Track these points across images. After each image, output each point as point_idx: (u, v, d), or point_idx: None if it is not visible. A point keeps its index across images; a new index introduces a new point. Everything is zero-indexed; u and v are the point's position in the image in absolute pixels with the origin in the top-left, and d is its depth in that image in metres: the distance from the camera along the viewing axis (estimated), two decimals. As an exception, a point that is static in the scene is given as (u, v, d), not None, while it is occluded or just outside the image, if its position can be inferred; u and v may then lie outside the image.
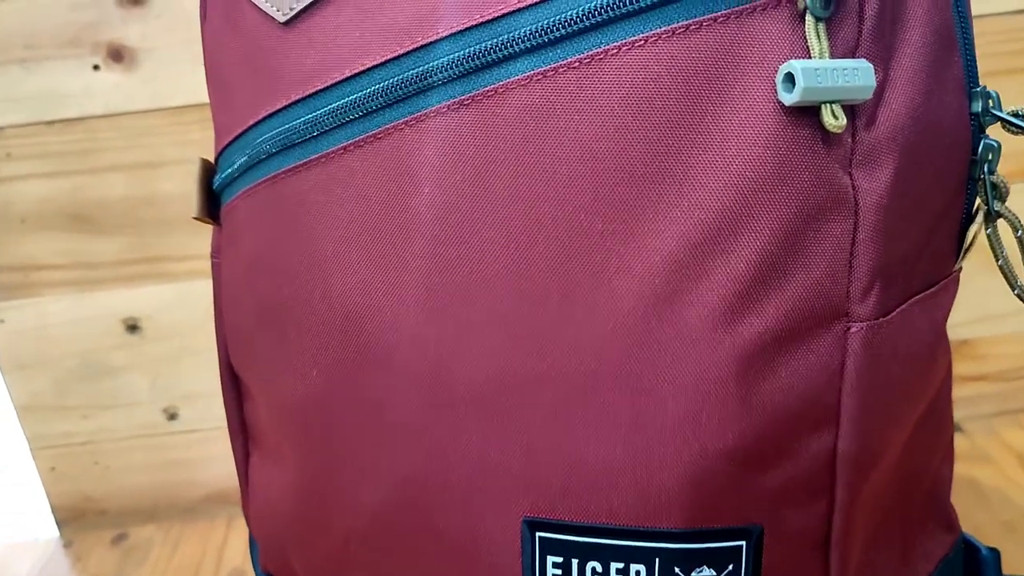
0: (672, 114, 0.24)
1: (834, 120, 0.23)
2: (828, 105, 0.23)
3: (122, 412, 0.53)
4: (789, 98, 0.23)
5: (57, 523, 0.56)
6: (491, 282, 0.26)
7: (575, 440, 0.26)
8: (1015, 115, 0.28)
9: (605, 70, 0.24)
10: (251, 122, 0.30)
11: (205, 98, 0.47)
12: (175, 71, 0.46)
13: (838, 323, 0.25)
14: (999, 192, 0.29)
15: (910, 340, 0.28)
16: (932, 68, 0.26)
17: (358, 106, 0.27)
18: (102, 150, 0.47)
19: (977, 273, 0.52)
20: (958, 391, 0.55)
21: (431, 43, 0.26)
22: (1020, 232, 0.29)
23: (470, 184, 0.26)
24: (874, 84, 0.24)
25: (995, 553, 0.36)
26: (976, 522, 0.48)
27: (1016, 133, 0.28)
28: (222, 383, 0.36)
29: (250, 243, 0.31)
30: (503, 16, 0.25)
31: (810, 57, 0.24)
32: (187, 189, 0.49)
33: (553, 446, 0.26)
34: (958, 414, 0.56)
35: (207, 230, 0.49)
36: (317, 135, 0.28)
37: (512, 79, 0.25)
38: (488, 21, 0.25)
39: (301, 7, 0.28)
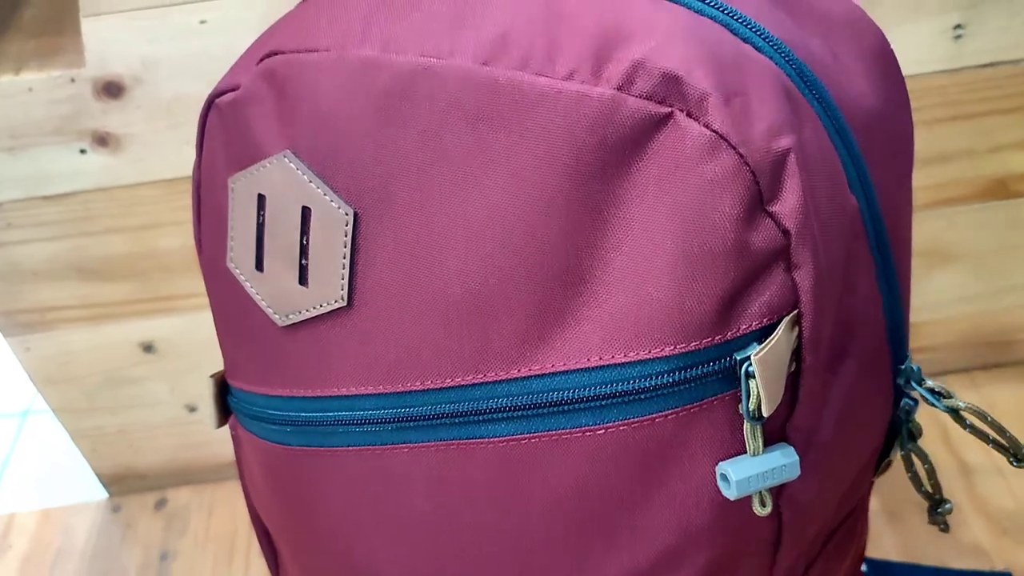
0: (627, 481, 0.28)
1: (761, 508, 0.28)
2: (759, 493, 0.28)
3: (147, 409, 0.59)
4: (726, 492, 0.27)
5: (104, 485, 0.64)
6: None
7: None
8: (931, 391, 0.32)
9: (570, 446, 0.28)
10: (258, 390, 0.33)
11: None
12: (161, 151, 0.47)
13: (762, 604, 0.31)
14: (913, 435, 0.34)
15: (826, 569, 0.34)
16: (862, 387, 0.30)
17: (357, 423, 0.31)
18: (99, 217, 0.49)
19: (924, 269, 0.56)
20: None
21: (423, 391, 0.29)
22: (927, 465, 0.35)
23: (452, 509, 0.30)
24: (799, 472, 0.28)
25: None
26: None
27: (932, 405, 0.32)
28: (251, 516, 0.42)
29: (260, 473, 0.35)
30: (485, 383, 0.28)
31: (746, 447, 0.28)
32: (187, 243, 0.51)
33: None
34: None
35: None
36: (319, 431, 0.32)
37: (490, 439, 0.29)
38: (472, 384, 0.29)
39: (298, 320, 0.31)
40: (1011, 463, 0.33)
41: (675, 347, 0.26)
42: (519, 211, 0.27)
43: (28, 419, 0.72)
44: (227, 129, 0.31)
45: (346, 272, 0.29)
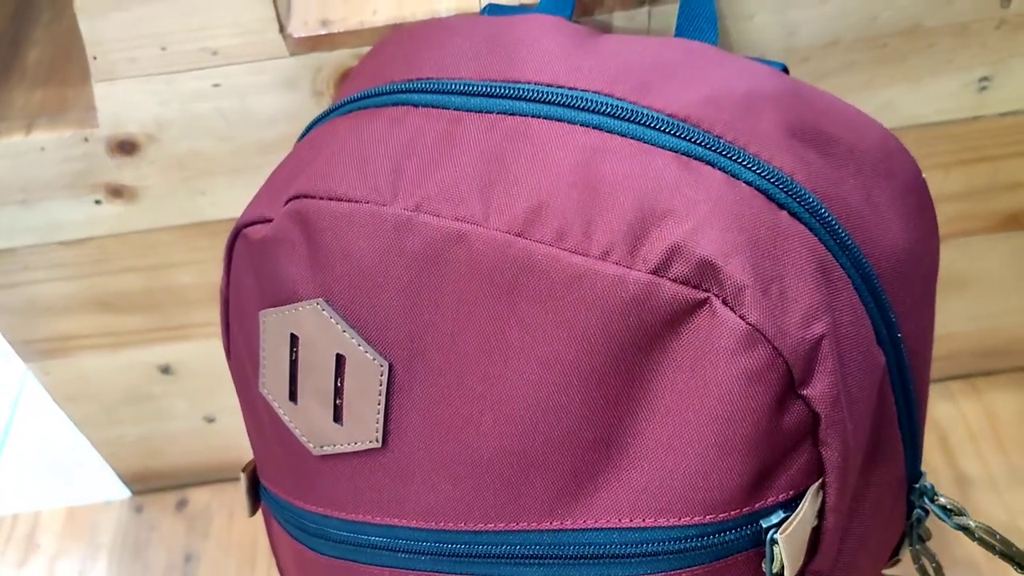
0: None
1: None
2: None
3: (167, 422, 0.60)
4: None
5: (126, 484, 0.65)
6: None
7: None
8: (943, 508, 0.34)
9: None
10: (291, 501, 0.34)
11: (208, 217, 0.48)
12: (175, 201, 0.47)
13: None
14: (922, 537, 0.35)
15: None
16: (879, 521, 0.32)
17: (392, 549, 0.32)
18: (115, 258, 0.49)
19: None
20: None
21: (456, 531, 0.30)
22: (934, 564, 0.36)
23: None
24: None
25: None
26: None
27: (943, 521, 0.34)
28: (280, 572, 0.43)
29: (292, 562, 0.37)
30: (518, 531, 0.29)
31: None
32: (203, 280, 0.51)
33: None
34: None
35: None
36: (353, 549, 0.33)
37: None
38: (505, 531, 0.30)
39: (332, 452, 0.32)
40: (1017, 572, 0.35)
41: (703, 517, 0.27)
42: (554, 383, 0.27)
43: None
44: (257, 263, 0.31)
45: (381, 417, 0.30)
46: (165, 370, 0.57)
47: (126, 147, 0.44)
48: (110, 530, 0.64)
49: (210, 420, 0.61)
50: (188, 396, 0.59)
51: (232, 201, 0.47)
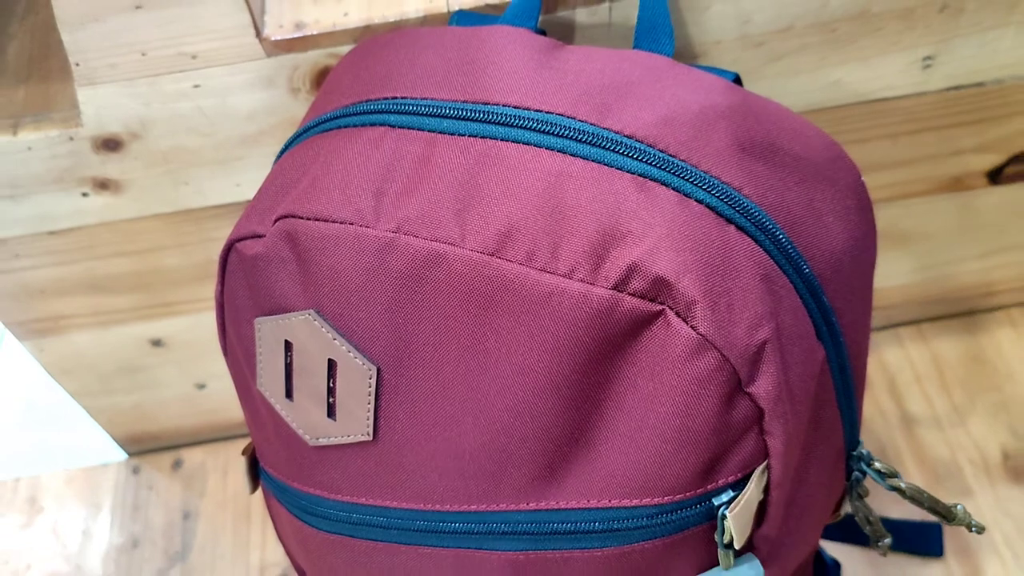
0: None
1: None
2: (728, 594, 0.33)
3: (159, 389, 0.63)
4: (703, 599, 0.33)
5: (121, 446, 0.68)
6: None
7: None
8: (879, 472, 0.37)
9: (573, 562, 0.33)
10: (288, 484, 0.37)
11: (194, 204, 0.50)
12: (160, 191, 0.49)
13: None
14: (859, 495, 0.39)
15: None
16: (820, 488, 0.35)
17: (385, 527, 0.35)
18: (104, 245, 0.51)
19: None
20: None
21: (443, 511, 0.34)
22: (871, 516, 0.40)
23: None
24: (763, 572, 0.33)
25: (837, 564, 0.52)
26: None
27: (878, 483, 0.37)
28: (280, 541, 0.47)
29: (292, 534, 0.40)
30: (498, 511, 0.33)
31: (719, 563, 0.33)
32: (190, 261, 0.53)
33: None
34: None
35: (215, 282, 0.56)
36: (349, 527, 0.36)
37: (503, 552, 0.33)
38: (487, 511, 0.33)
39: (327, 444, 0.35)
40: (944, 523, 0.39)
41: (662, 498, 0.31)
42: (528, 388, 0.30)
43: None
44: (250, 276, 0.34)
45: (371, 415, 0.33)
46: (156, 343, 0.60)
47: (111, 144, 0.46)
48: (109, 491, 0.68)
49: (201, 386, 0.64)
50: (179, 365, 0.62)
51: (215, 190, 0.49)
